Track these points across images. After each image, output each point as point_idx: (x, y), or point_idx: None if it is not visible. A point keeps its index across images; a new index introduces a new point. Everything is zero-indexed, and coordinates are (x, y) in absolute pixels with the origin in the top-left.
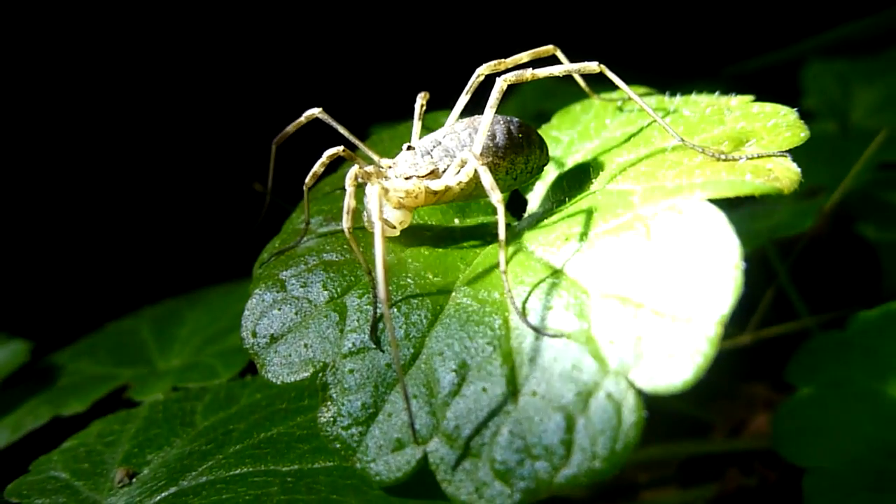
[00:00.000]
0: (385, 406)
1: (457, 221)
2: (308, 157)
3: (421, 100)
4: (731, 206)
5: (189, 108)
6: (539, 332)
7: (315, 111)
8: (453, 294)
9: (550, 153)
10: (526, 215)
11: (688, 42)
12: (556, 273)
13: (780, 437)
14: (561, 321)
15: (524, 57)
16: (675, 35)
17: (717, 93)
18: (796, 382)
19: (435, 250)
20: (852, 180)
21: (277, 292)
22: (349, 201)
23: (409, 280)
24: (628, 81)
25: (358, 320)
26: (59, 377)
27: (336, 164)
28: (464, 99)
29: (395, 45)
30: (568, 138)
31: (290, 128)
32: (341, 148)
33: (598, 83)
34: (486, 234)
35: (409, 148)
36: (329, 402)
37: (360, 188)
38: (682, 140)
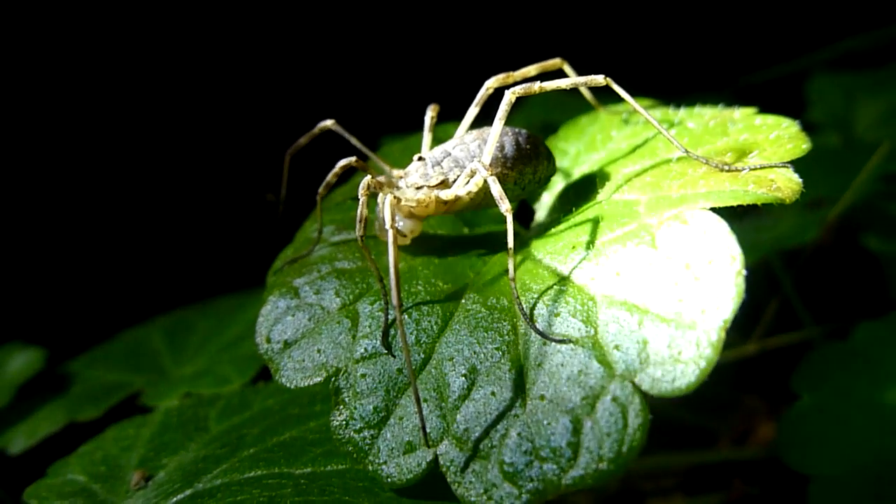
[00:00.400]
0: (396, 410)
1: (466, 230)
2: (320, 167)
3: (431, 112)
4: (736, 217)
5: (202, 119)
6: (547, 337)
7: (328, 123)
8: (463, 301)
9: (557, 164)
10: (534, 224)
11: (693, 56)
12: (564, 280)
13: (785, 446)
14: (568, 327)
15: (532, 70)
16: (681, 49)
17: (721, 105)
18: (801, 392)
19: (445, 258)
20: (856, 192)
21: (291, 299)
22: (362, 210)
23: (419, 287)
24: (634, 94)
25: (370, 326)
26: (74, 384)
27: (348, 175)
28: (473, 111)
29: (406, 58)
30: (575, 150)
31: (303, 139)
32: (353, 158)
33: (605, 96)
34: (494, 243)
35: (419, 159)
36: (342, 406)
37: (372, 198)
38: (687, 151)
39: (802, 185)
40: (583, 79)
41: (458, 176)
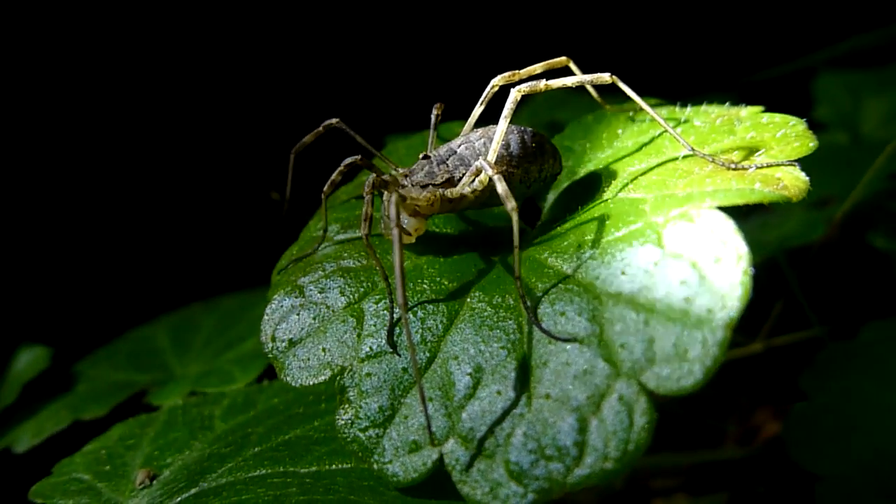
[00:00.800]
0: (402, 409)
1: (471, 229)
2: (325, 166)
3: (436, 110)
4: (742, 215)
5: (206, 118)
6: (552, 336)
7: (333, 121)
8: (468, 299)
9: (563, 162)
10: (539, 223)
11: (699, 54)
12: (569, 279)
13: (792, 445)
14: (574, 326)
15: (538, 68)
16: (687, 47)
17: (727, 103)
18: (808, 390)
19: (450, 257)
20: (863, 190)
21: (296, 298)
22: (367, 209)
23: (424, 286)
24: (640, 92)
25: (375, 325)
26: (80, 383)
27: (353, 174)
28: (478, 109)
29: (411, 57)
30: (580, 148)
31: (308, 138)
32: (358, 157)
33: (611, 94)
34: (500, 242)
35: (425, 157)
36: (347, 405)
37: (377, 196)
38: (693, 150)
39: (809, 183)
40: (589, 77)
41: (464, 174)
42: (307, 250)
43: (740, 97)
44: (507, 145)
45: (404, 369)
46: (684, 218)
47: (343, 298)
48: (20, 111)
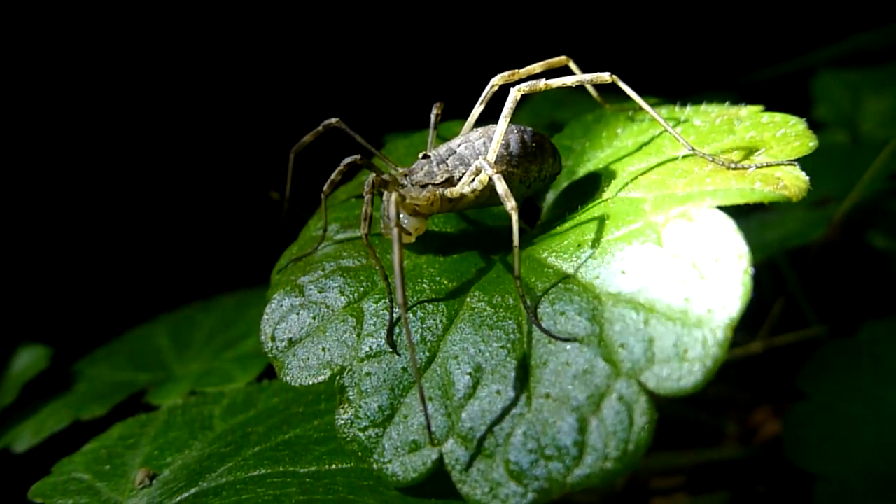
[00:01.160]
0: (401, 408)
1: (471, 228)
2: (325, 165)
3: (436, 109)
4: (742, 215)
5: (205, 117)
6: (552, 335)
7: (332, 120)
8: (468, 299)
9: (563, 162)
10: (539, 222)
11: (699, 53)
12: (569, 279)
13: (791, 444)
14: (573, 325)
15: (537, 68)
16: (686, 46)
17: (727, 103)
18: (807, 390)
19: (450, 256)
20: (862, 190)
21: (296, 297)
22: (367, 208)
23: (424, 285)
24: (640, 92)
25: (374, 324)
26: (79, 382)
27: (352, 173)
28: (478, 109)
29: (411, 56)
30: (580, 147)
31: (308, 137)
32: (358, 156)
33: (611, 93)
34: (499, 241)
35: (424, 157)
36: (346, 405)
37: (376, 196)
38: (693, 149)
39: (809, 183)
40: (589, 76)
41: (464, 174)
42: (307, 250)
43: (740, 96)
44: (506, 145)
45: (404, 369)
46: (684, 217)
47: (343, 298)
48: (20, 111)
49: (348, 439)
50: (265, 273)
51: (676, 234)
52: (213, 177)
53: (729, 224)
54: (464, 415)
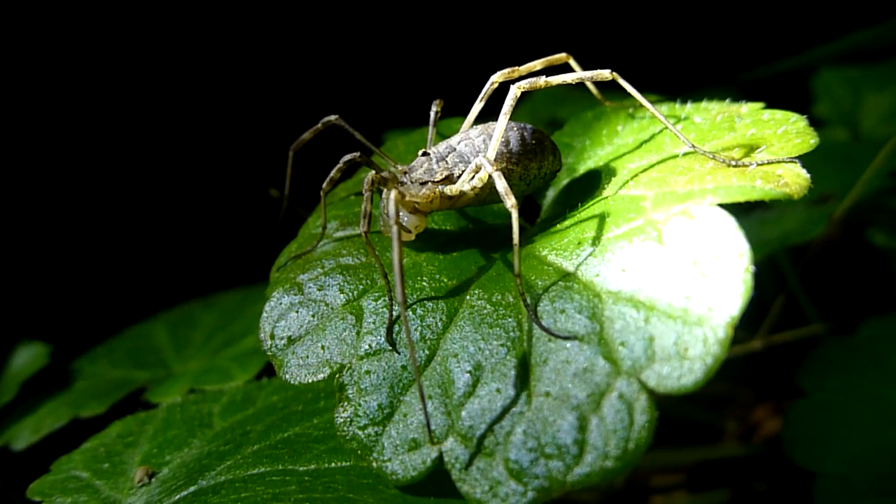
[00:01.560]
0: (401, 406)
1: (471, 226)
2: (324, 163)
3: (436, 107)
4: (742, 212)
5: (205, 115)
6: (552, 334)
7: (332, 118)
8: (468, 297)
9: (563, 159)
10: (539, 220)
11: (699, 50)
12: (569, 276)
13: (791, 442)
14: (573, 323)
15: (537, 65)
16: (687, 43)
17: (728, 100)
18: (807, 387)
19: (449, 254)
20: (863, 187)
21: (295, 295)
22: (366, 206)
23: (424, 283)
24: (640, 89)
25: (374, 322)
26: (78, 380)
27: (352, 171)
28: (478, 106)
29: (410, 53)
30: (580, 145)
31: (307, 134)
32: (357, 154)
33: (611, 90)
34: (499, 239)
35: (424, 154)
36: (346, 403)
37: (376, 193)
38: (694, 146)
39: (810, 180)
40: (589, 73)
41: (463, 171)
42: (306, 247)
43: (740, 93)
44: (506, 142)
45: (403, 367)
46: (685, 215)
47: (342, 296)
48: (20, 111)
49: (348, 437)
50: (264, 271)
51: (677, 231)
52: (213, 174)
53: (730, 222)
54: (464, 413)
